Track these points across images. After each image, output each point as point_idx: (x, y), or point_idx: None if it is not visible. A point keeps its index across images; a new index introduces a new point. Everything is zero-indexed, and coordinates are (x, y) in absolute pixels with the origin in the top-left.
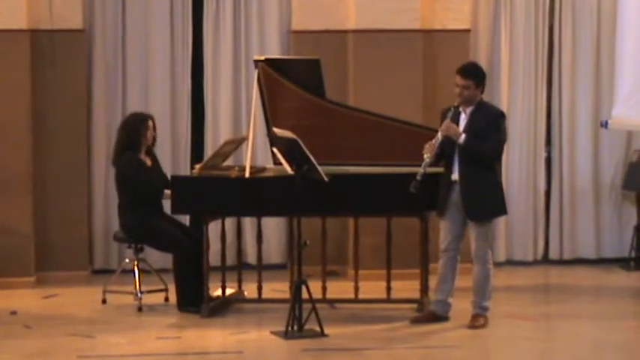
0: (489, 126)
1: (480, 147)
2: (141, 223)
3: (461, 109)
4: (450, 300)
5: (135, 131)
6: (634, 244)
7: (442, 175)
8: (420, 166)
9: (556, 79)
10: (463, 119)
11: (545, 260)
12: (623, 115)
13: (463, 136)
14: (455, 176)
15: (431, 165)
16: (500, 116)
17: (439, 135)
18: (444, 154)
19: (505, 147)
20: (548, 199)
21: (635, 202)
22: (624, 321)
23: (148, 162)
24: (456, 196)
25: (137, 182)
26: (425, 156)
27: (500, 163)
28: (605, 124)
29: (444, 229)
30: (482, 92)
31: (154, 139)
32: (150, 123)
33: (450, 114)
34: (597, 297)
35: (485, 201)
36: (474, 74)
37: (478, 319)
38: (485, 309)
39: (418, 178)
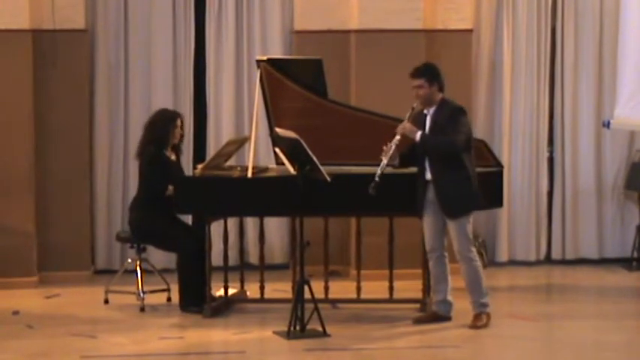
0: (448, 122)
1: (436, 142)
2: (148, 222)
3: (425, 111)
4: (450, 298)
5: (163, 130)
6: (636, 244)
7: (417, 176)
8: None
9: (558, 79)
10: (428, 121)
11: (548, 260)
12: (625, 115)
13: (419, 133)
14: (429, 176)
15: (403, 166)
16: (459, 111)
17: (397, 136)
18: (416, 156)
19: (507, 147)
20: (550, 199)
21: (637, 202)
22: (626, 321)
23: (173, 157)
24: (432, 195)
25: (156, 179)
26: (382, 157)
27: (470, 157)
28: (607, 124)
29: (426, 230)
30: (440, 90)
31: (182, 137)
32: (178, 121)
33: (407, 115)
34: (599, 297)
35: (458, 197)
36: (424, 73)
37: (480, 318)
38: (485, 305)
39: (376, 179)
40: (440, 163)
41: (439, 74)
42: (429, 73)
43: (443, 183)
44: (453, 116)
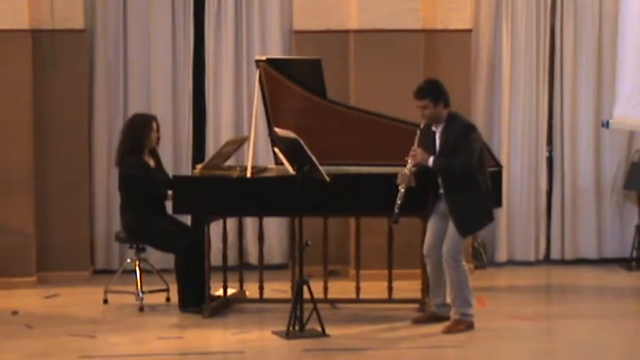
0: (458, 141)
1: (449, 166)
2: (142, 223)
3: (434, 127)
4: (449, 300)
5: (139, 133)
6: (635, 244)
7: (430, 186)
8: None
9: (557, 78)
10: (437, 138)
11: (547, 260)
12: (624, 115)
13: (431, 158)
14: (442, 190)
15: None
16: (468, 128)
17: (409, 164)
18: (430, 171)
19: (506, 146)
20: (549, 199)
21: (636, 201)
22: (626, 321)
23: (151, 163)
24: (442, 206)
25: (143, 181)
26: (400, 187)
27: (482, 167)
28: (606, 124)
29: (428, 234)
30: (446, 107)
31: (158, 139)
32: (154, 125)
33: (416, 138)
34: (599, 297)
35: (470, 214)
36: (428, 93)
37: (459, 323)
38: (467, 315)
39: (397, 210)
40: (452, 182)
41: (443, 91)
42: (432, 92)
43: (455, 200)
44: (463, 135)
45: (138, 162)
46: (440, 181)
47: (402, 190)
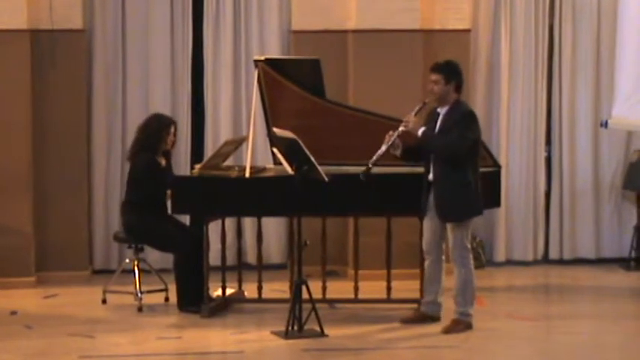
0: (456, 125)
1: (437, 141)
2: (142, 222)
3: (439, 109)
4: (440, 300)
5: (156, 135)
6: (634, 244)
7: (423, 177)
8: (420, 166)
9: (556, 78)
10: (439, 121)
11: (545, 260)
12: (623, 114)
13: (422, 129)
14: (431, 177)
15: (405, 159)
16: (467, 114)
17: (401, 127)
18: (422, 155)
19: (505, 146)
20: (548, 199)
21: (635, 202)
22: (624, 321)
23: (163, 162)
24: (432, 197)
25: (151, 181)
26: (383, 145)
27: (473, 162)
28: (605, 124)
29: (424, 231)
30: (456, 91)
31: (173, 143)
32: (172, 129)
33: (417, 108)
34: (597, 297)
35: (455, 202)
36: (444, 69)
37: (458, 323)
38: (466, 315)
39: (370, 165)
40: (441, 165)
41: (459, 74)
42: (447, 70)
43: (441, 185)
44: (461, 120)
45: (149, 161)
46: (431, 165)
47: (383, 149)
